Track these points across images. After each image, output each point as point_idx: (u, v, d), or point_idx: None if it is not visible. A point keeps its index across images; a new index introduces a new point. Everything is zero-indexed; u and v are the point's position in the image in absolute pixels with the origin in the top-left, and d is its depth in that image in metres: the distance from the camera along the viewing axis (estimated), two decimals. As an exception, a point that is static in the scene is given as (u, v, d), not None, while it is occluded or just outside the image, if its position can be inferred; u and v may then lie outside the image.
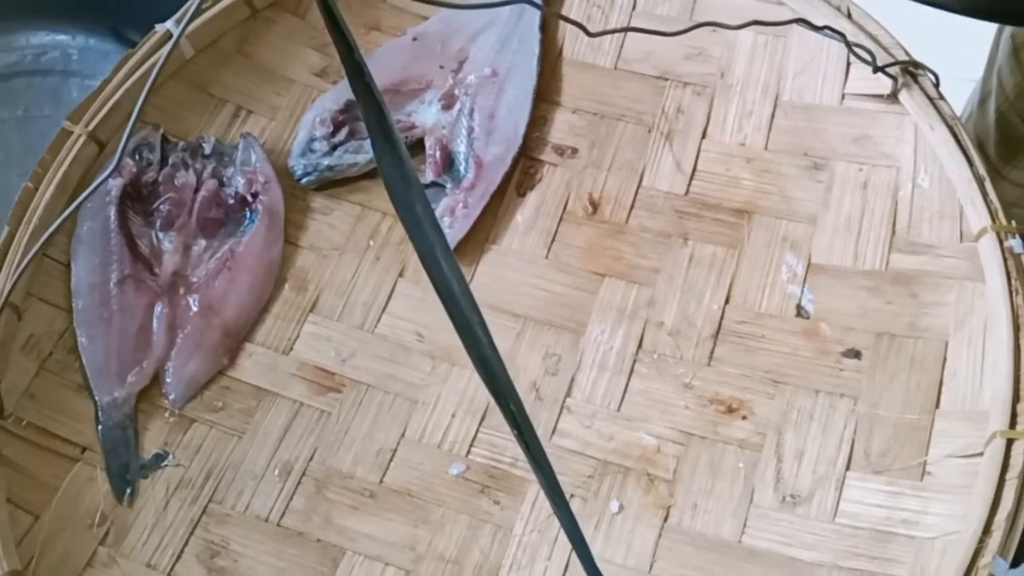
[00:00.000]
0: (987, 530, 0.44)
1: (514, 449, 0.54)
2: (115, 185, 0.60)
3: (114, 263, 0.59)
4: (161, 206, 0.61)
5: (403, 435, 0.56)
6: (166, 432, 0.56)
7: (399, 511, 0.53)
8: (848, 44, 0.55)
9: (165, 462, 0.55)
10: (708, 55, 0.64)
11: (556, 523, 0.51)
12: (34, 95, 0.74)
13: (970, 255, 0.53)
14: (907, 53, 0.57)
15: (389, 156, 0.35)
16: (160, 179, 0.62)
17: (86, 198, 0.48)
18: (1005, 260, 0.51)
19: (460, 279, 0.39)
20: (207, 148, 0.63)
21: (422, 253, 0.36)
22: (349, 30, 0.33)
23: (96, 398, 0.56)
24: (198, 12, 0.64)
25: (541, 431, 0.54)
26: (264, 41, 0.68)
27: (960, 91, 0.61)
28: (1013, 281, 0.50)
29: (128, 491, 0.54)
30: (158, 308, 0.58)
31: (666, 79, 0.64)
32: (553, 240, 0.61)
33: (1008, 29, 0.63)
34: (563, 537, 0.51)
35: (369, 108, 0.34)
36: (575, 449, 0.54)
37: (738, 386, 0.55)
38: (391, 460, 0.55)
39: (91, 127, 0.61)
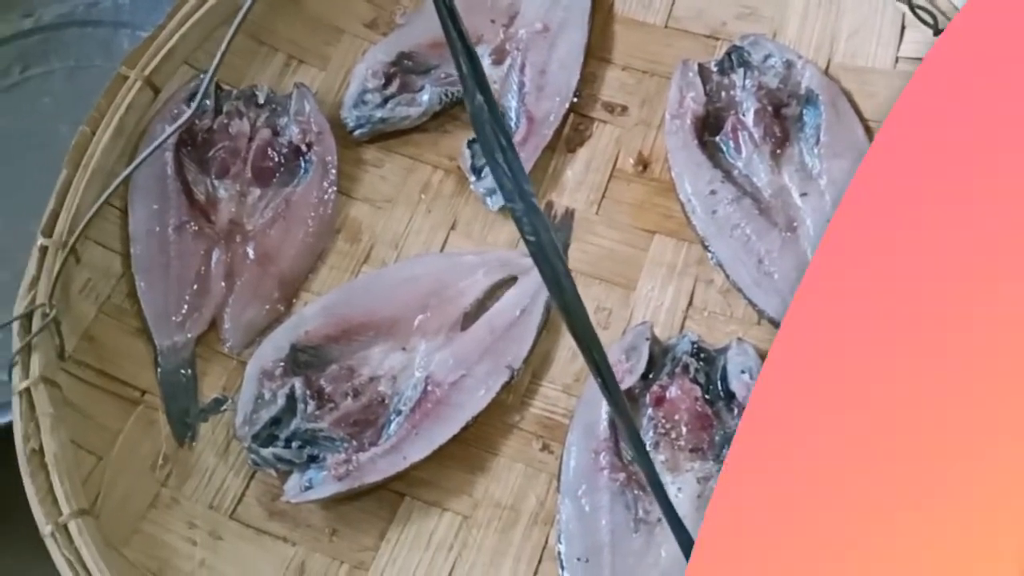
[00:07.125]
0: None
1: (567, 401, 0.56)
2: (171, 132, 0.60)
3: (171, 209, 0.59)
4: (216, 154, 0.61)
5: (458, 385, 0.57)
6: (225, 378, 0.57)
7: (455, 458, 0.55)
8: (911, 5, 0.56)
9: (224, 407, 0.56)
10: (760, 15, 0.64)
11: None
12: (85, 46, 0.73)
13: (1021, 220, 0.54)
14: (964, 18, 0.57)
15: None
16: (215, 127, 0.62)
17: (158, 147, 0.48)
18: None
19: (547, 229, 0.40)
20: (260, 97, 0.63)
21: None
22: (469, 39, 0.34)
23: (156, 343, 0.57)
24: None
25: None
26: (314, -11, 0.67)
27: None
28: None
29: (189, 434, 0.55)
30: (215, 255, 0.59)
31: (717, 38, 0.65)
32: (603, 196, 0.62)
33: None
34: (618, 486, 0.52)
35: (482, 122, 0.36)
36: (628, 402, 0.55)
37: (788, 344, 0.56)
38: (446, 409, 0.56)
39: (147, 72, 0.61)
